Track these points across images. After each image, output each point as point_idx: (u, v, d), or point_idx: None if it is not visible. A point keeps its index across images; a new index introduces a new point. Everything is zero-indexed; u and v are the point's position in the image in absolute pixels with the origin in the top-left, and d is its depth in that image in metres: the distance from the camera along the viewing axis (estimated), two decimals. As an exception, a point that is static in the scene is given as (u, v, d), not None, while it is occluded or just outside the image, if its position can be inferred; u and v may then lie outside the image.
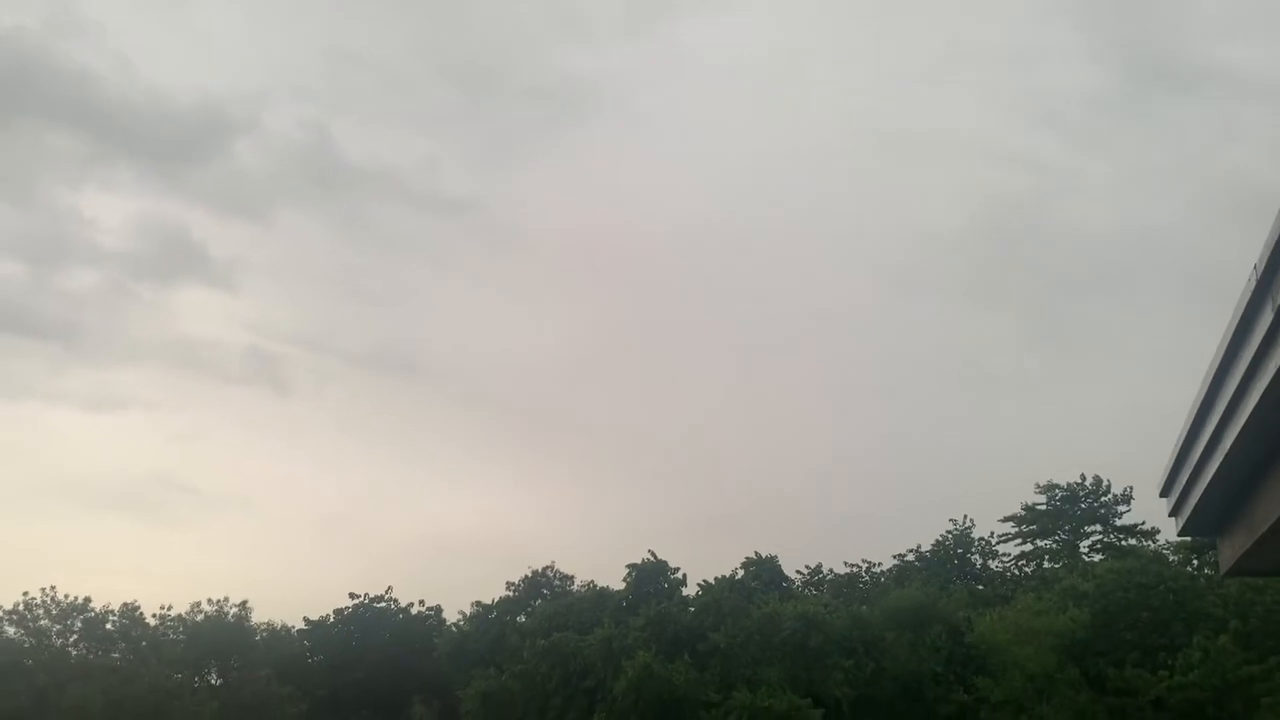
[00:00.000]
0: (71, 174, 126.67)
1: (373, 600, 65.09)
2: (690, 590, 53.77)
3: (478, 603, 60.89)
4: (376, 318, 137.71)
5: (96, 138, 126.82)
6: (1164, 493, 10.81)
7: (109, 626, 59.46)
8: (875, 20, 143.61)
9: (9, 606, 56.62)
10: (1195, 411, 8.56)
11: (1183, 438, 9.27)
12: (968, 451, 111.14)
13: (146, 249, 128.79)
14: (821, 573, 69.10)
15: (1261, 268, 6.30)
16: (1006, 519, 66.72)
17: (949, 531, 68.12)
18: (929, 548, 67.98)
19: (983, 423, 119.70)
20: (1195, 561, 55.50)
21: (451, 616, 64.87)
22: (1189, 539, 40.78)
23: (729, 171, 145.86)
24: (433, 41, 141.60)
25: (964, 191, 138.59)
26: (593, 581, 60.71)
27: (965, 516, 68.34)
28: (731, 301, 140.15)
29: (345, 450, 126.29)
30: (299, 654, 64.17)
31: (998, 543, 68.02)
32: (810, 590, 65.35)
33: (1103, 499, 64.89)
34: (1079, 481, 65.19)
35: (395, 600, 65.74)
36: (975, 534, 68.29)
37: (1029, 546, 66.75)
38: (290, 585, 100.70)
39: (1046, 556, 65.72)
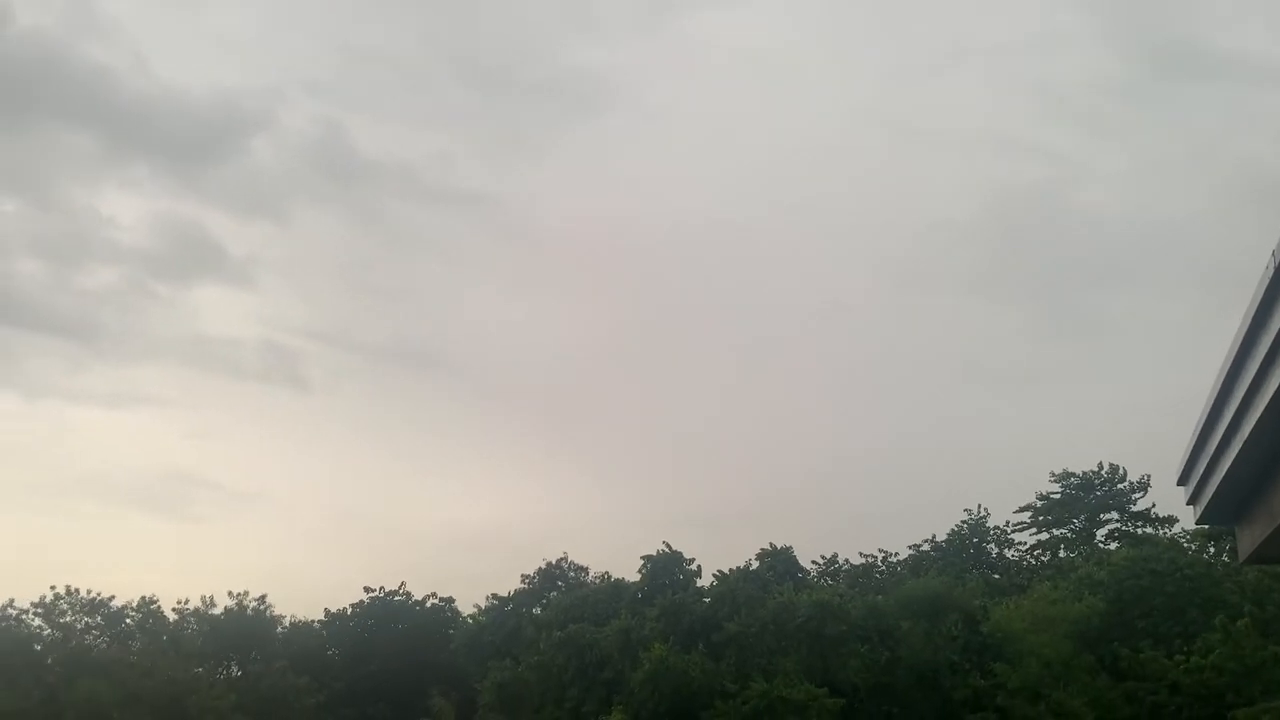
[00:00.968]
0: (89, 172, 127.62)
1: (388, 594, 65.36)
2: (705, 581, 53.90)
3: (493, 595, 61.16)
4: (392, 312, 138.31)
5: (113, 136, 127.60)
6: (1182, 480, 10.81)
7: (128, 621, 59.79)
8: (884, 11, 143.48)
9: (33, 600, 57.08)
10: (1213, 399, 8.55)
11: (1200, 425, 9.26)
12: (982, 442, 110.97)
13: (164, 247, 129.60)
14: (837, 563, 69.07)
15: (1279, 257, 6.30)
16: (1022, 508, 66.63)
17: (964, 522, 68.01)
18: (944, 538, 67.88)
19: (996, 414, 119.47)
20: (1212, 549, 55.29)
21: (467, 609, 65.26)
22: (1206, 526, 40.58)
23: (739, 165, 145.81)
24: (446, 38, 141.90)
25: (975, 183, 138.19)
26: (607, 573, 60.94)
27: (980, 506, 68.28)
28: (745, 294, 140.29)
29: (361, 444, 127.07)
30: (317, 647, 64.48)
31: (1013, 531, 67.95)
32: (826, 580, 65.32)
33: (1119, 486, 64.70)
34: (1094, 470, 65.00)
35: (410, 594, 66.06)
36: (990, 524, 68.23)
37: (1045, 535, 66.62)
38: (308, 579, 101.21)
39: (1062, 545, 65.57)
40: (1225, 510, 10.46)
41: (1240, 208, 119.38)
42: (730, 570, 53.23)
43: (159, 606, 60.55)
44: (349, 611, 64.99)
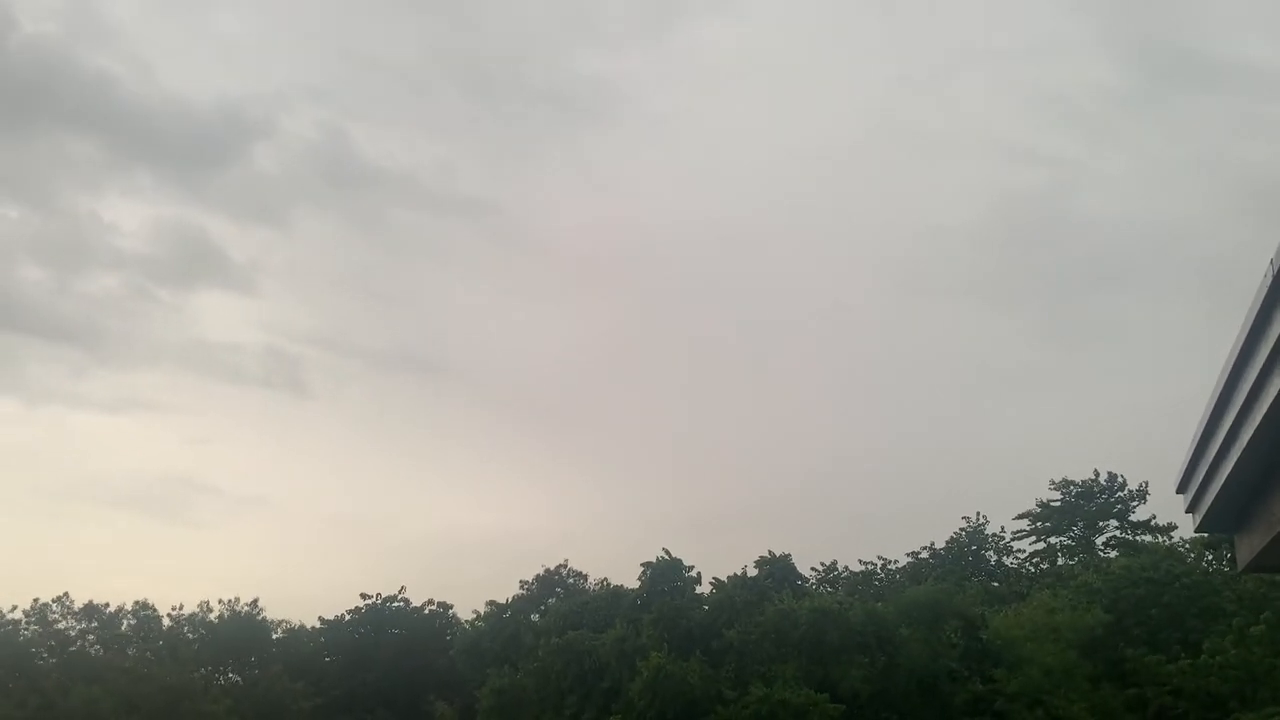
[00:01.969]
0: (92, 179, 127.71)
1: (386, 600, 65.25)
2: (704, 589, 53.74)
3: (492, 601, 61.02)
4: (393, 319, 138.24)
5: (116, 143, 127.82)
6: (1181, 489, 10.72)
7: (124, 628, 59.72)
8: (888, 17, 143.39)
9: (26, 608, 56.97)
10: (1212, 406, 8.48)
11: (1199, 433, 9.18)
12: (981, 449, 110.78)
13: (166, 253, 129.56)
14: (836, 570, 69.01)
15: (1279, 262, 6.24)
16: (1020, 515, 66.52)
17: (963, 529, 67.93)
18: (943, 545, 67.79)
19: (996, 419, 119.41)
20: (1210, 556, 55.20)
21: (466, 615, 65.13)
22: (1205, 535, 40.37)
23: (741, 171, 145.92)
24: (448, 44, 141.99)
25: (977, 187, 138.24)
26: (606, 579, 60.80)
27: (979, 513, 68.22)
28: (745, 300, 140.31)
29: (362, 450, 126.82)
30: (316, 653, 64.37)
31: (1012, 539, 67.88)
32: (825, 588, 65.21)
33: (1118, 494, 64.60)
34: (1093, 478, 64.92)
35: (408, 600, 65.95)
36: (989, 530, 68.17)
37: (1043, 544, 66.52)
38: (308, 585, 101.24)
39: (1061, 553, 65.48)
40: (1224, 518, 10.38)
41: (1241, 213, 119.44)
42: (729, 577, 53.12)
43: (155, 612, 60.53)
44: (346, 618, 64.88)
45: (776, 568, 55.74)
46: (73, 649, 55.42)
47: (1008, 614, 49.87)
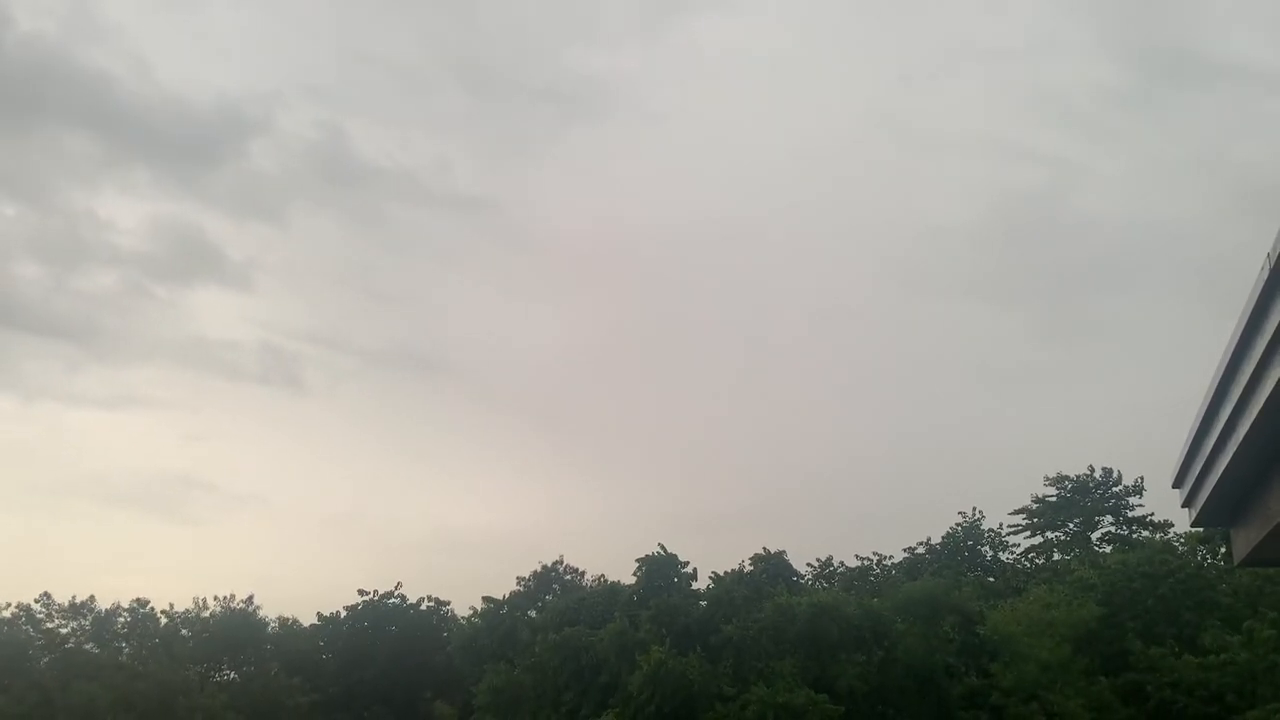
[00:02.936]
0: (89, 176, 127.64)
1: (382, 596, 65.20)
2: (700, 585, 53.79)
3: (488, 598, 61.01)
4: (390, 316, 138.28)
5: (113, 140, 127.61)
6: (1177, 484, 10.75)
7: (119, 625, 59.64)
8: (885, 17, 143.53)
9: (17, 607, 56.84)
10: (1208, 402, 8.50)
11: (1195, 428, 9.20)
12: (978, 445, 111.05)
13: (163, 250, 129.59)
14: (832, 565, 69.03)
15: (1275, 256, 6.24)
16: (1016, 511, 66.61)
17: (958, 524, 67.99)
18: (939, 540, 67.84)
19: (993, 417, 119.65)
20: (1204, 551, 55.23)
21: (462, 612, 65.12)
22: (1200, 529, 40.33)
23: (740, 169, 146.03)
24: (446, 42, 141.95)
25: (976, 187, 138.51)
26: (603, 576, 60.83)
27: (975, 509, 68.28)
28: (742, 298, 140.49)
29: (358, 447, 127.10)
30: (312, 650, 64.32)
31: (1008, 534, 67.96)
32: (821, 583, 65.28)
33: (1114, 490, 64.67)
34: (1089, 473, 64.99)
35: (404, 596, 65.90)
36: (985, 526, 68.20)
37: (1039, 539, 66.58)
38: (305, 581, 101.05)
39: (1057, 548, 65.55)
40: (1220, 513, 10.41)
41: (1239, 213, 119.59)
42: (725, 573, 53.17)
43: (151, 609, 60.46)
44: (343, 615, 64.82)
45: (772, 564, 55.80)
46: (68, 645, 55.37)
47: (1004, 609, 49.92)
